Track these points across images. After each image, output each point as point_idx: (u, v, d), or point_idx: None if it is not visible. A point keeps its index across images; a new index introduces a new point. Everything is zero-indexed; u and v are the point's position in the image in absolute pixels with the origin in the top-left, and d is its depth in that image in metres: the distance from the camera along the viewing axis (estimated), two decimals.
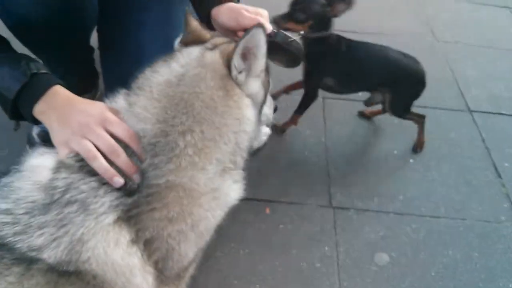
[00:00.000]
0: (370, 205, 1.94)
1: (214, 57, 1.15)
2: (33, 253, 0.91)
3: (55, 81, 1.25)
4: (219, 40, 1.25)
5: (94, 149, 1.06)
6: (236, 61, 1.11)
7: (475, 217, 1.96)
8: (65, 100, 1.21)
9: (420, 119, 2.21)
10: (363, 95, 2.47)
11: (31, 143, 1.96)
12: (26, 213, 0.96)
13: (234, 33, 1.53)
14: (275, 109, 1.48)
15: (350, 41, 2.05)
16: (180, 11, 1.80)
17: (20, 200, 0.98)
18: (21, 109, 1.25)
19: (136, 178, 1.04)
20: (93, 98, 2.18)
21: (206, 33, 1.27)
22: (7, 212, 0.96)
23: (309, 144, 2.17)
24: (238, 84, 1.14)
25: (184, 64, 1.13)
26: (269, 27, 1.47)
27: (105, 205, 0.99)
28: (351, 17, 3.09)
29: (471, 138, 2.35)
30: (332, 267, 1.71)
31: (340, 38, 2.03)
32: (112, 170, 1.03)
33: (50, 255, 0.92)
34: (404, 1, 3.49)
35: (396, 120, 2.35)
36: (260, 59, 1.13)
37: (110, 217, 0.98)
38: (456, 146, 2.29)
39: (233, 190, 1.16)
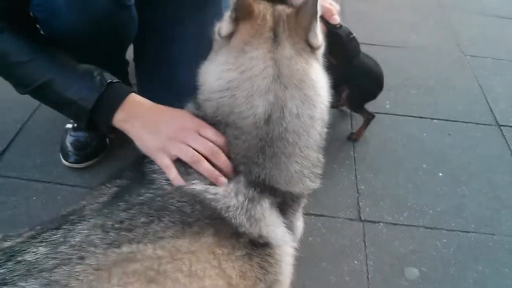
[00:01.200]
0: (399, 219, 1.93)
1: (291, 58, 1.12)
2: (242, 229, 1.04)
3: (129, 89, 1.32)
4: (268, 14, 1.17)
5: (196, 153, 1.12)
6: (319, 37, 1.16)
7: (504, 232, 1.93)
8: (146, 108, 1.28)
9: (369, 116, 2.27)
10: (391, 107, 2.49)
11: (65, 153, 2.00)
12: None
13: None
14: None
15: None
16: (216, 21, 1.84)
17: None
18: (98, 118, 1.31)
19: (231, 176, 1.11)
20: None
21: (254, 6, 1.18)
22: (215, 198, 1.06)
23: (338, 157, 2.18)
24: (318, 47, 1.18)
25: (265, 90, 1.08)
26: (338, 19, 1.56)
27: (255, 195, 1.09)
28: (376, 31, 3.16)
29: (500, 152, 2.34)
30: (362, 281, 1.70)
31: None
32: (216, 172, 1.10)
33: (251, 231, 1.05)
34: (430, 15, 3.50)
35: (425, 133, 2.37)
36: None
37: (267, 202, 1.10)
38: (485, 161, 2.27)
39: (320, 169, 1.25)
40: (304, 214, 1.85)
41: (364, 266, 1.75)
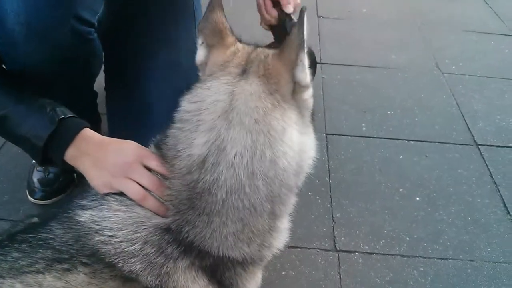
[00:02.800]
0: (375, 248, 1.88)
1: (253, 93, 1.00)
2: (133, 276, 0.97)
3: (83, 124, 1.29)
4: (243, 51, 1.11)
5: (142, 189, 1.07)
6: (305, 57, 1.00)
7: (484, 258, 1.89)
8: (96, 143, 1.24)
9: None
10: (367, 130, 2.46)
11: (31, 189, 1.95)
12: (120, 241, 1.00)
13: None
14: None
15: None
16: (189, 54, 1.81)
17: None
18: (51, 155, 1.28)
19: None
20: None
21: (228, 34, 1.13)
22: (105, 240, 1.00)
23: (313, 185, 2.12)
24: (306, 86, 1.04)
25: (212, 126, 0.99)
26: (291, 9, 1.56)
27: (175, 251, 1.01)
28: (354, 52, 3.14)
29: (479, 173, 2.30)
30: None
31: None
32: (163, 206, 1.05)
33: (146, 280, 0.97)
34: (409, 35, 3.49)
35: (402, 156, 2.33)
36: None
37: (185, 262, 1.01)
38: (464, 183, 2.23)
39: (277, 239, 1.14)
40: None
41: None
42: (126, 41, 1.84)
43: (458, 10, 3.91)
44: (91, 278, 0.93)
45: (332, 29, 3.36)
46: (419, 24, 3.63)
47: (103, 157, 1.18)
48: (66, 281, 0.90)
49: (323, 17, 3.57)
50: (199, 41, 1.15)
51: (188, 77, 1.75)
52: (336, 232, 1.93)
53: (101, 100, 2.02)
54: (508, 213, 2.10)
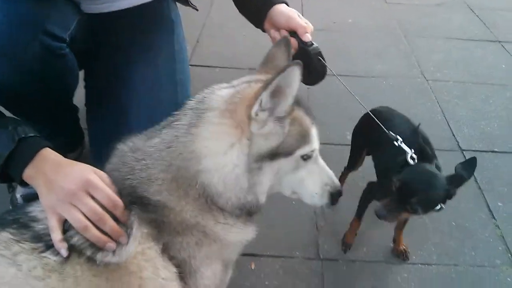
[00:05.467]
0: (358, 255, 1.89)
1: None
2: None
3: (43, 144, 1.26)
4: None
5: (84, 219, 1.09)
6: (265, 98, 1.06)
7: (468, 262, 1.90)
8: (52, 164, 1.22)
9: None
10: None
11: (14, 205, 1.95)
12: None
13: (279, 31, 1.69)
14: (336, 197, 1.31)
15: None
16: (168, 67, 1.82)
17: None
18: (11, 173, 1.26)
19: (123, 240, 1.09)
20: (79, 155, 2.18)
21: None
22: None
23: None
24: (257, 121, 1.10)
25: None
26: (309, 37, 1.65)
27: None
28: (340, 61, 3.15)
29: None
30: None
31: None
32: (103, 238, 1.08)
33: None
34: (393, 43, 3.53)
35: None
36: (289, 99, 1.08)
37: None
38: None
39: (220, 228, 1.17)
40: (260, 255, 1.82)
41: None
42: (105, 55, 1.85)
43: (443, 18, 3.96)
44: (13, 235, 1.04)
45: (317, 40, 3.36)
46: (403, 32, 3.67)
47: (54, 179, 1.17)
48: None
49: None
50: None
51: (168, 90, 1.77)
52: (319, 240, 1.94)
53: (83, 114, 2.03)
54: (493, 217, 2.11)
